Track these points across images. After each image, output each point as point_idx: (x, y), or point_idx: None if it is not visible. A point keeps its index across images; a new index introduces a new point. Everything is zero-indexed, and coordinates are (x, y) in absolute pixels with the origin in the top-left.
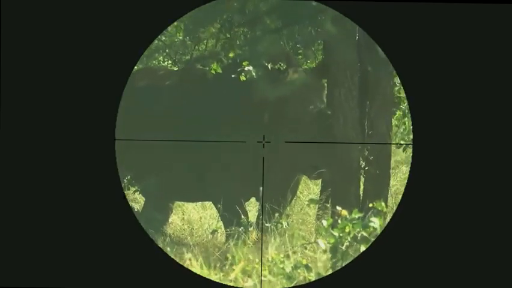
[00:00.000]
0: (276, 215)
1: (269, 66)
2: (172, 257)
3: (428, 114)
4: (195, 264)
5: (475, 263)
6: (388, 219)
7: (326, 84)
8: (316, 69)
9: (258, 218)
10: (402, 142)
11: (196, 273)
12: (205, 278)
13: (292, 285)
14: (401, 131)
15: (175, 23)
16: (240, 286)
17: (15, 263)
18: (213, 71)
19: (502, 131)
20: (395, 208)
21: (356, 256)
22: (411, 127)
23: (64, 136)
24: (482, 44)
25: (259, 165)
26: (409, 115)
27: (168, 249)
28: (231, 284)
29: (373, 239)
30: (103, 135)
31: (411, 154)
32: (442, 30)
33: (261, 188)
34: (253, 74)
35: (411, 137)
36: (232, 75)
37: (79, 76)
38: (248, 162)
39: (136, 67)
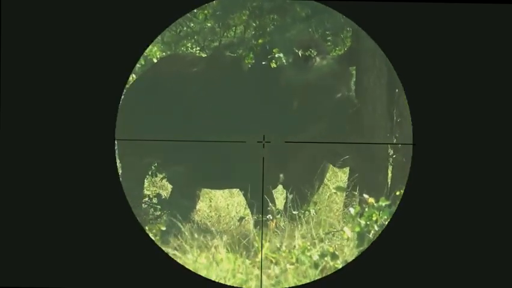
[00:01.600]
0: (303, 202)
1: (299, 53)
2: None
3: (428, 114)
4: (221, 251)
5: (475, 261)
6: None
7: (353, 72)
8: (344, 56)
9: (285, 205)
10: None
11: (195, 273)
12: (204, 277)
13: (317, 272)
14: None
15: (205, 11)
16: (241, 286)
17: (15, 263)
18: (247, 62)
19: (502, 130)
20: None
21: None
22: (412, 125)
23: (64, 136)
24: (482, 44)
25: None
26: None
27: (196, 236)
28: (255, 273)
29: None
30: (103, 135)
31: None
32: (442, 30)
33: (281, 175)
34: (284, 60)
35: None
36: (263, 62)
37: (78, 76)
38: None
39: (163, 53)
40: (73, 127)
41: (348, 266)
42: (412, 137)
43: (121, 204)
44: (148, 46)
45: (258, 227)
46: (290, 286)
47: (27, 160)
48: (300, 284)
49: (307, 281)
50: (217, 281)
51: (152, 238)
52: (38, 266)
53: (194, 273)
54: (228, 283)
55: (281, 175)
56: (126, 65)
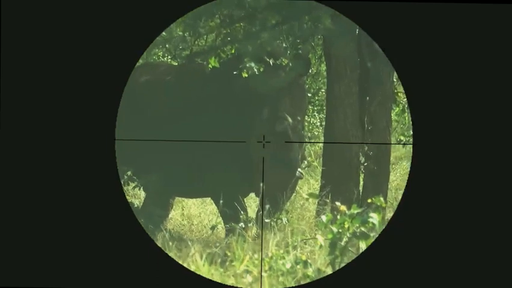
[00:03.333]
0: (276, 210)
1: (271, 62)
2: (173, 253)
3: (428, 114)
4: (199, 260)
5: (475, 260)
6: (389, 215)
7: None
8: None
9: (257, 213)
10: (402, 139)
11: (195, 273)
12: (204, 277)
13: (292, 281)
14: (401, 126)
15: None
16: (240, 286)
17: (15, 263)
18: (210, 66)
19: (502, 130)
20: (395, 204)
21: (356, 252)
22: (412, 125)
23: (64, 136)
24: (482, 44)
25: (258, 165)
26: (408, 110)
27: (170, 244)
28: (231, 282)
29: (372, 235)
30: (103, 135)
31: (411, 150)
32: (442, 30)
33: (261, 184)
34: (255, 70)
35: (411, 132)
36: (234, 72)
37: (78, 76)
38: (248, 161)
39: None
40: (73, 127)
41: (349, 266)
42: (412, 137)
43: (120, 204)
44: (148, 46)
45: (230, 235)
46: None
47: (27, 160)
48: None
49: None
50: (216, 281)
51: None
52: (38, 266)
53: (194, 273)
54: None
55: (261, 184)
56: (126, 65)
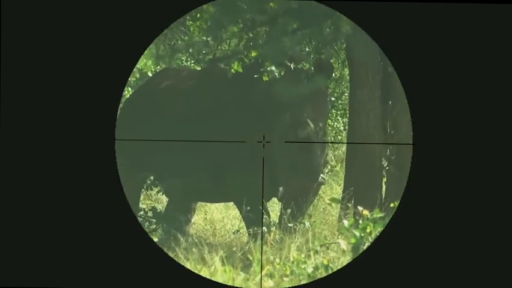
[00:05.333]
0: (299, 214)
1: (292, 66)
2: (194, 256)
3: (428, 114)
4: (218, 264)
5: (475, 260)
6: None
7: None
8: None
9: (280, 217)
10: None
11: (195, 273)
12: (204, 278)
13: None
14: None
15: (198, 23)
16: (242, 287)
17: (15, 263)
18: (233, 70)
19: (502, 130)
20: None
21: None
22: (412, 125)
23: (64, 136)
24: (482, 44)
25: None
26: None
27: (193, 249)
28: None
29: None
30: (103, 135)
31: None
32: (442, 30)
33: (281, 188)
34: (276, 74)
35: None
36: (255, 75)
37: (79, 76)
38: (268, 164)
39: (157, 67)
40: (73, 127)
41: (349, 267)
42: (412, 137)
43: (120, 204)
44: (148, 46)
45: (253, 239)
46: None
47: (27, 160)
48: None
49: None
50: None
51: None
52: (38, 266)
53: (194, 273)
54: None
55: (280, 188)
56: (127, 64)
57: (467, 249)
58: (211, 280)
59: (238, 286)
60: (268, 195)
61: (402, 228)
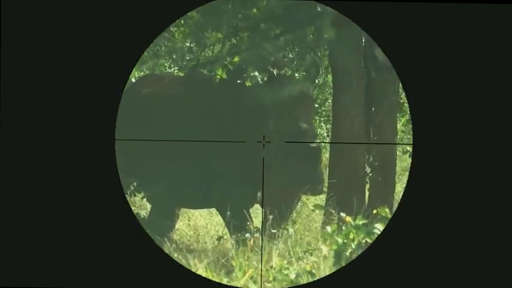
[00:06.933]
0: (282, 221)
1: (275, 72)
2: (180, 263)
3: (428, 114)
4: (201, 271)
5: (475, 259)
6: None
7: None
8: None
9: (263, 224)
10: (409, 149)
11: (195, 273)
12: (204, 278)
13: None
14: (408, 136)
15: (181, 29)
16: (241, 287)
17: (15, 263)
18: (218, 76)
19: (502, 130)
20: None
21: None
22: (412, 125)
23: (64, 136)
24: (482, 44)
25: (261, 167)
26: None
27: (175, 255)
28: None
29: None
30: (103, 135)
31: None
32: (442, 30)
33: (259, 194)
34: (259, 79)
35: None
36: (238, 81)
37: (79, 76)
38: (251, 164)
39: (141, 72)
40: (73, 127)
41: (349, 266)
42: (412, 137)
43: (120, 204)
44: (148, 46)
45: (236, 245)
46: None
47: (27, 160)
48: None
49: None
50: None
51: None
52: (38, 266)
53: (194, 273)
54: None
55: (259, 193)
56: (126, 65)
57: (467, 249)
58: (211, 280)
59: (238, 286)
60: (252, 201)
61: (402, 228)
